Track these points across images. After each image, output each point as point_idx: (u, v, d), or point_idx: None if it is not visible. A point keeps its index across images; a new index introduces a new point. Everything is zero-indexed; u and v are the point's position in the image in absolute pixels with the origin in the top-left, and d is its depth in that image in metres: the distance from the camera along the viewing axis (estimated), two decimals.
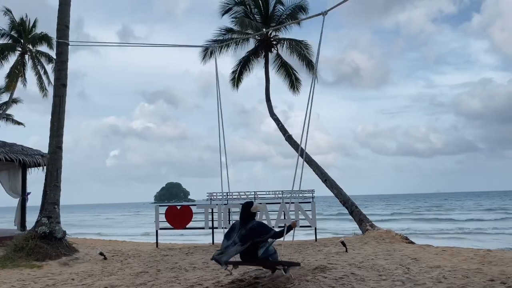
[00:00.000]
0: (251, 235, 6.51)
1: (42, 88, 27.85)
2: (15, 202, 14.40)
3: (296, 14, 19.67)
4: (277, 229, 7.26)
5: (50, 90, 27.67)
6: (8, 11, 25.90)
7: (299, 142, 18.12)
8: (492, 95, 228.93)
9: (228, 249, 6.50)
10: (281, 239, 6.96)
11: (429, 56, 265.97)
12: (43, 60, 27.55)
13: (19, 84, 27.90)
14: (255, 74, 21.22)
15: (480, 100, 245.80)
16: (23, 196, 14.30)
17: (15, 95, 29.60)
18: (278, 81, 21.10)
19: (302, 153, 7.76)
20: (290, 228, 7.00)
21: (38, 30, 27.21)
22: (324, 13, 7.74)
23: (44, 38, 26.94)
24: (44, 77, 27.73)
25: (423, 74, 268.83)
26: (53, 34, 26.47)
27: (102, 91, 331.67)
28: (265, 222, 12.69)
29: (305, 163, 17.61)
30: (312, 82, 7.74)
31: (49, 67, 27.36)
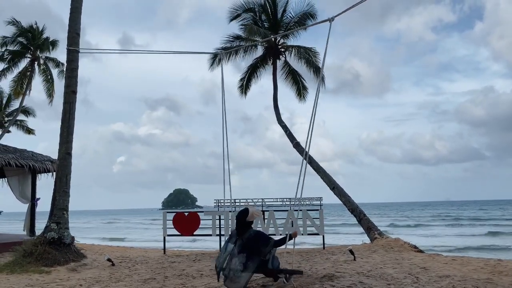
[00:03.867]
0: (249, 245, 6.23)
1: (50, 94, 28.14)
2: (24, 207, 14.53)
3: (304, 21, 19.72)
4: (277, 238, 7.06)
5: (56, 96, 28.14)
6: (16, 22, 26.29)
7: (306, 149, 18.17)
8: (497, 102, 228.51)
9: (235, 272, 6.08)
10: (283, 246, 6.84)
11: (432, 64, 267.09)
12: (51, 65, 27.89)
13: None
14: (259, 81, 21.25)
15: (484, 108, 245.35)
16: (33, 201, 14.43)
17: (18, 103, 30.00)
18: (282, 88, 21.09)
19: (306, 156, 7.81)
20: (291, 237, 6.81)
21: (47, 37, 27.59)
22: (330, 20, 7.77)
23: (52, 44, 27.31)
24: (51, 83, 28.04)
25: (430, 82, 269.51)
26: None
27: (104, 97, 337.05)
28: (272, 229, 12.67)
29: (313, 170, 17.70)
30: (317, 89, 7.79)
31: (55, 72, 27.76)
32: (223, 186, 8.82)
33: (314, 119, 7.53)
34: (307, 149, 7.84)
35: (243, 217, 6.44)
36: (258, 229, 12.72)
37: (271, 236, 6.93)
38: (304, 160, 7.72)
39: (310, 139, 7.63)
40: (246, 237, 6.30)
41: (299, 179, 7.37)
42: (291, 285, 6.60)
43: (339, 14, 7.86)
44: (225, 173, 8.76)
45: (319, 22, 8.45)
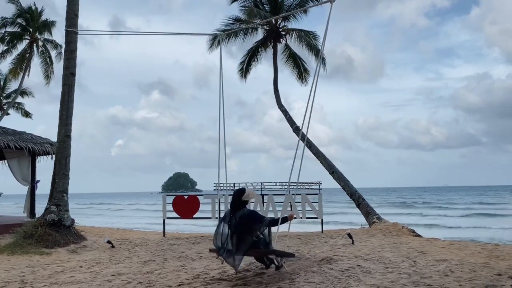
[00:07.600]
0: (242, 224, 6.05)
1: (47, 76, 27.92)
2: (24, 189, 14.57)
3: (306, 4, 19.45)
4: (270, 217, 6.80)
5: (53, 78, 27.94)
6: (16, 1, 25.94)
7: (305, 134, 18.12)
8: (492, 89, 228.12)
9: (229, 251, 6.07)
10: (275, 229, 6.43)
11: (427, 50, 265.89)
12: (49, 47, 27.61)
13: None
14: (258, 65, 21.00)
15: (480, 94, 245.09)
16: (33, 184, 14.46)
17: (16, 85, 29.83)
18: (280, 73, 20.87)
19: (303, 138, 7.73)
20: (285, 219, 6.42)
21: (43, 18, 27.26)
22: (332, 0, 7.64)
23: (51, 25, 26.99)
24: (49, 65, 27.80)
25: (430, 67, 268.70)
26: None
27: (98, 81, 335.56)
28: (271, 214, 12.73)
29: (313, 155, 17.69)
30: (316, 71, 7.64)
31: (53, 54, 27.50)
32: (221, 170, 8.65)
33: (313, 101, 7.29)
34: (305, 132, 7.71)
35: (239, 195, 6.32)
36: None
37: (266, 217, 6.57)
38: (301, 141, 7.64)
39: (309, 123, 7.42)
40: (240, 215, 6.13)
41: (294, 162, 7.13)
42: (284, 270, 6.42)
43: None
44: (222, 157, 8.39)
45: (319, 4, 8.27)
